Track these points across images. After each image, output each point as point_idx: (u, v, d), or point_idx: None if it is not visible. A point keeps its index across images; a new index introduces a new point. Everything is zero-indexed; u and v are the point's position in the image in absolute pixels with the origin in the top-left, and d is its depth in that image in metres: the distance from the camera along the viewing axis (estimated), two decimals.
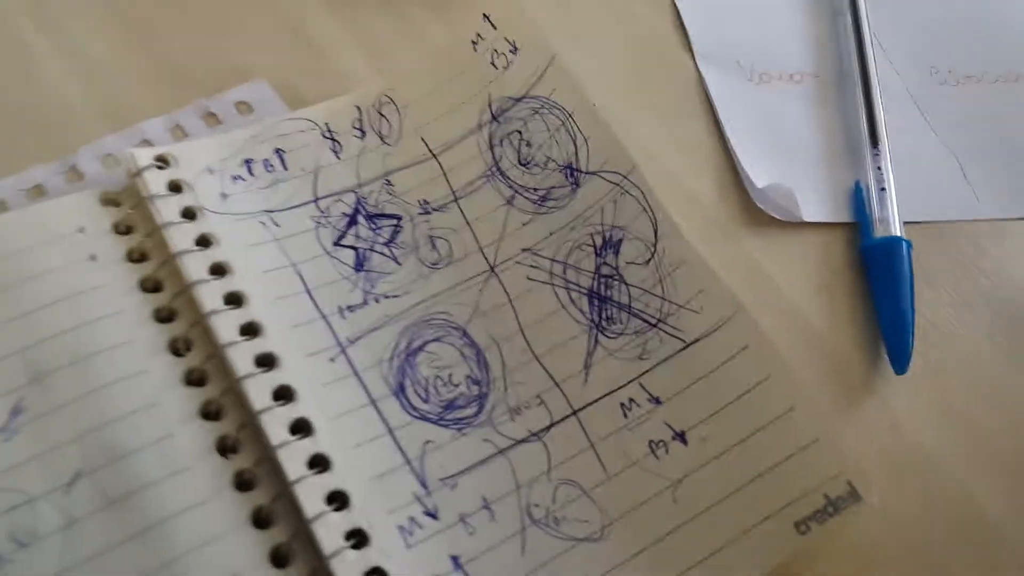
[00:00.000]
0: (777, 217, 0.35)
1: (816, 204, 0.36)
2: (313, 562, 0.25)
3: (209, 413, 0.27)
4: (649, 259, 0.31)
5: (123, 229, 0.29)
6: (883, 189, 0.35)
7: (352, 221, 0.31)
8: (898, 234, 0.34)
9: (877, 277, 0.34)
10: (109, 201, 0.30)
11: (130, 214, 0.30)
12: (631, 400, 0.29)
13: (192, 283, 0.28)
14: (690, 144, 0.37)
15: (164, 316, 0.28)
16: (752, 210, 0.35)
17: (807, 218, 0.35)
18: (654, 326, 0.30)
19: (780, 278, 0.34)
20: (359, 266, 0.30)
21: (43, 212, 0.29)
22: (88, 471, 0.25)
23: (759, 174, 0.36)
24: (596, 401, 0.29)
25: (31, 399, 0.26)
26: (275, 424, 0.26)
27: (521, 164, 0.32)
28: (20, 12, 0.35)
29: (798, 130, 0.38)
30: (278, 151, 0.31)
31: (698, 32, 0.40)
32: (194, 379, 0.27)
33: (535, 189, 0.32)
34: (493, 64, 0.33)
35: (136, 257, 0.29)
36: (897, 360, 0.32)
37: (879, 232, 0.34)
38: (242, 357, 0.27)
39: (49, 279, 0.28)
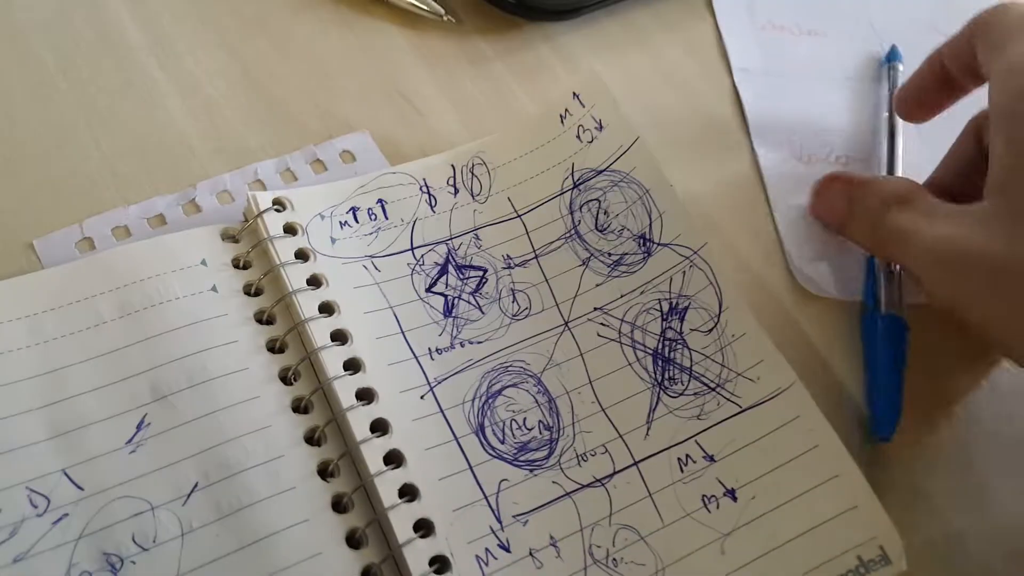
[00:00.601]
0: (813, 292, 0.38)
1: (849, 281, 0.38)
2: None
3: (313, 439, 0.29)
4: (712, 328, 0.34)
5: (241, 265, 0.33)
6: (891, 271, 0.37)
7: (443, 270, 0.34)
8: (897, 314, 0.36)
9: (870, 348, 0.36)
10: (229, 237, 0.33)
11: (249, 252, 0.33)
12: (687, 456, 0.32)
13: (304, 320, 0.31)
14: (747, 222, 0.40)
15: (276, 347, 0.31)
16: (796, 284, 0.38)
17: (839, 295, 0.38)
18: (713, 390, 0.33)
19: (824, 349, 0.36)
20: (448, 312, 0.33)
21: (169, 244, 0.32)
22: (204, 485, 0.28)
23: (800, 253, 0.38)
24: (656, 454, 0.32)
25: (155, 416, 0.29)
26: (372, 453, 0.29)
27: (598, 230, 0.35)
28: (146, 51, 0.39)
29: None
30: (381, 201, 0.35)
31: (754, 113, 0.43)
32: (301, 408, 0.30)
33: (609, 254, 0.35)
34: (579, 137, 0.36)
35: (252, 292, 0.32)
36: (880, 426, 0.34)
37: (885, 309, 0.37)
38: (345, 390, 0.30)
39: (174, 306, 0.31)
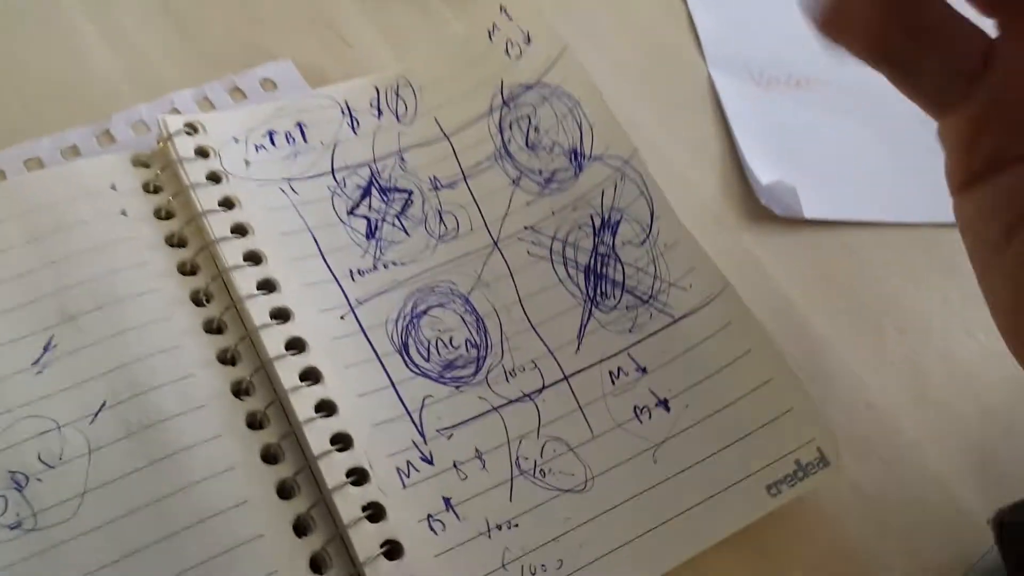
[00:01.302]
0: (778, 214, 0.37)
1: (818, 202, 0.38)
2: (316, 496, 0.27)
3: (226, 359, 0.29)
4: (644, 239, 0.33)
5: (152, 189, 0.31)
6: None
7: (366, 193, 0.33)
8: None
9: None
10: (140, 163, 0.32)
11: (159, 175, 0.32)
12: (619, 369, 0.31)
13: (215, 240, 0.30)
14: (696, 141, 0.39)
15: (187, 270, 0.30)
16: (752, 207, 0.37)
17: (808, 215, 0.37)
18: (645, 302, 0.32)
19: (776, 273, 0.36)
20: (370, 234, 0.32)
21: (78, 169, 0.31)
22: (112, 403, 0.27)
23: (763, 172, 0.37)
24: (586, 368, 0.31)
25: (62, 337, 0.28)
26: (286, 370, 0.28)
27: (528, 147, 0.34)
28: None
29: (802, 132, 0.40)
30: (299, 125, 0.34)
31: (710, 37, 0.42)
32: (213, 328, 0.29)
33: (540, 171, 0.34)
34: (507, 53, 0.35)
35: (163, 215, 0.31)
36: None
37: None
38: (259, 309, 0.29)
39: (82, 230, 0.30)
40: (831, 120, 0.41)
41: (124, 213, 0.31)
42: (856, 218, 0.38)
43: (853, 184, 0.39)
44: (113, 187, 0.31)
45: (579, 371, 0.31)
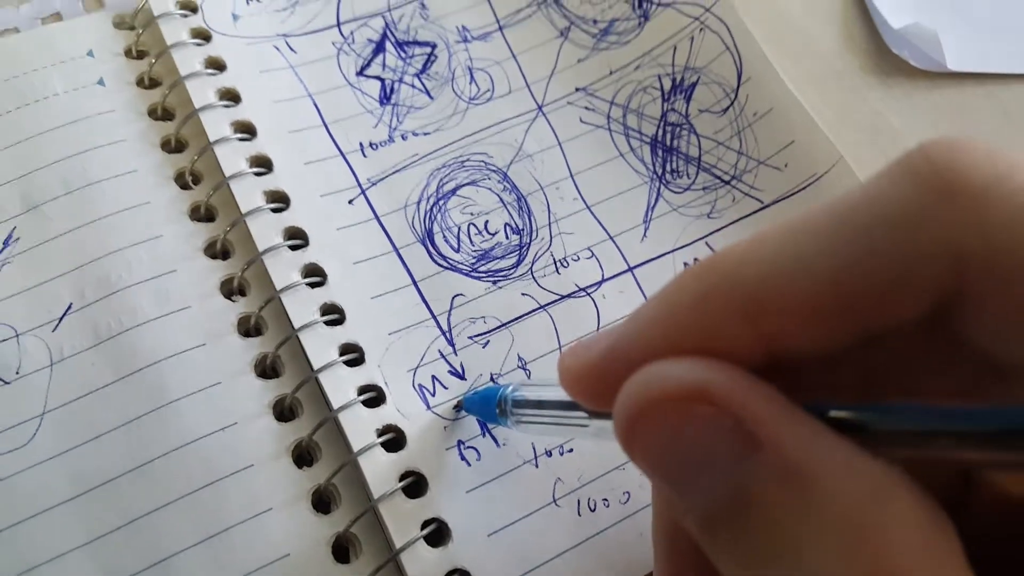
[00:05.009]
0: (915, 65, 0.27)
1: (963, 52, 0.28)
2: (322, 415, 0.20)
3: (215, 253, 0.22)
4: (728, 107, 0.24)
5: (135, 54, 0.25)
6: None
7: (379, 48, 0.25)
8: None
9: None
10: (122, 24, 0.25)
11: (143, 37, 0.25)
12: (695, 260, 0.23)
13: (197, 110, 0.23)
14: None
15: (173, 146, 0.23)
16: (881, 58, 0.28)
17: (952, 67, 0.27)
18: (727, 183, 0.24)
19: (911, 139, 0.27)
20: (385, 98, 0.25)
21: (50, 34, 0.25)
22: (80, 306, 0.21)
23: (894, 14, 0.28)
24: (656, 258, 0.23)
25: (25, 228, 0.22)
26: (283, 267, 0.21)
27: None
28: None
29: None
30: None
31: None
32: (201, 215, 0.23)
33: (595, 21, 0.26)
34: None
35: (147, 83, 0.24)
36: None
37: None
38: (248, 193, 0.22)
39: (52, 103, 0.23)
40: None
41: (101, 83, 0.24)
42: (1010, 70, 0.28)
43: (1007, 30, 0.29)
44: (90, 53, 0.24)
45: (646, 261, 0.23)
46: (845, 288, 0.11)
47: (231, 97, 0.23)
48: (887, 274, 0.11)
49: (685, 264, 0.23)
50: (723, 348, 0.11)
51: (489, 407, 0.19)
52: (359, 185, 0.23)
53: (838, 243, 0.11)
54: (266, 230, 0.22)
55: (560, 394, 0.15)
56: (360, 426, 0.20)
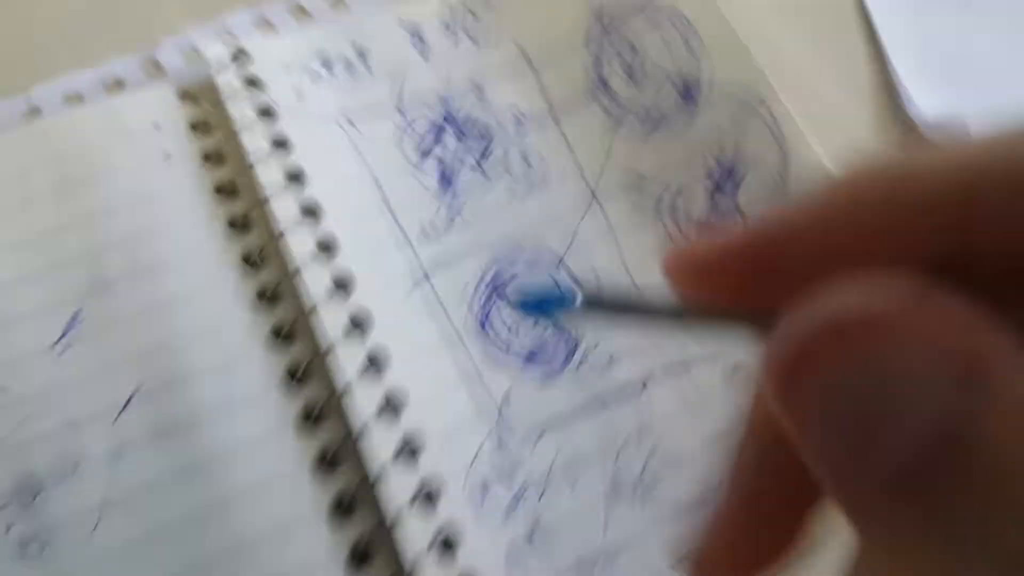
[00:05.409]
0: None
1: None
2: (377, 517, 0.20)
3: (280, 337, 0.22)
4: (776, 194, 0.25)
5: (201, 128, 0.25)
6: None
7: (439, 132, 0.26)
8: None
9: None
10: (187, 97, 0.26)
11: (209, 112, 0.25)
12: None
13: (267, 197, 0.23)
14: (842, 67, 0.29)
15: (239, 224, 0.24)
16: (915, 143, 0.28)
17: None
18: None
19: None
20: (446, 183, 0.25)
21: (116, 106, 0.25)
22: (144, 393, 0.21)
23: (925, 100, 0.28)
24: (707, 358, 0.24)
25: (90, 310, 0.22)
26: (347, 358, 0.22)
27: (632, 80, 0.26)
28: None
29: (971, 49, 0.30)
30: (359, 50, 0.26)
31: None
32: (267, 296, 0.23)
33: (646, 110, 0.26)
34: None
35: (213, 160, 0.25)
36: None
37: None
38: (316, 279, 0.22)
39: (118, 178, 0.24)
40: (1006, 32, 0.31)
41: (168, 157, 0.24)
42: None
43: None
44: (156, 126, 0.25)
45: (697, 360, 0.24)
46: None
47: (297, 177, 0.24)
48: None
49: (733, 366, 0.24)
50: (910, 253, 0.09)
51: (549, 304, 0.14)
52: (423, 269, 0.24)
53: None
54: (332, 318, 0.22)
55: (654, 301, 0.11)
56: (417, 534, 0.20)
